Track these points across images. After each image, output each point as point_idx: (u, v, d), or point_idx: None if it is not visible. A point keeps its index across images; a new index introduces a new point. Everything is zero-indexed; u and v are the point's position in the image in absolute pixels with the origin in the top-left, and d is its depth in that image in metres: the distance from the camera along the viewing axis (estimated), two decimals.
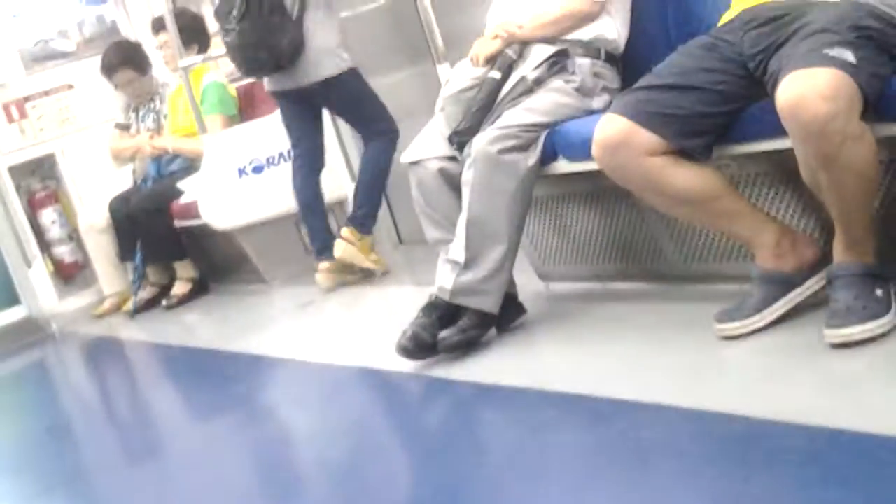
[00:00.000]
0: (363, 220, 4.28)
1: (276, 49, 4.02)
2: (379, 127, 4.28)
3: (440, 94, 2.97)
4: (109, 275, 5.67)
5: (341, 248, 4.23)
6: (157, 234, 5.22)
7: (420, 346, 2.76)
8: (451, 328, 2.76)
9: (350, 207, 4.50)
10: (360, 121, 4.34)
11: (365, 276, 4.31)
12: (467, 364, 2.72)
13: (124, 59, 5.54)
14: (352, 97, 4.22)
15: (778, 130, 2.06)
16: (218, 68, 5.28)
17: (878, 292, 2.06)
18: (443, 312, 2.79)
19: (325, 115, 4.49)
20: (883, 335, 2.02)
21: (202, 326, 4.90)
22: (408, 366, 2.80)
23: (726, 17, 2.41)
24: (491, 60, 2.88)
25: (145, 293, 5.44)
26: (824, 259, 2.26)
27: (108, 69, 5.55)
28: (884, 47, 2.06)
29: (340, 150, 4.99)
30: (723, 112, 2.30)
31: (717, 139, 2.33)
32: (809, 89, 1.94)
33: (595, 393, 2.26)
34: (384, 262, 4.36)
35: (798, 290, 2.30)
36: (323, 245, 4.35)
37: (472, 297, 2.77)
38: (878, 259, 2.13)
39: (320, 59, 4.09)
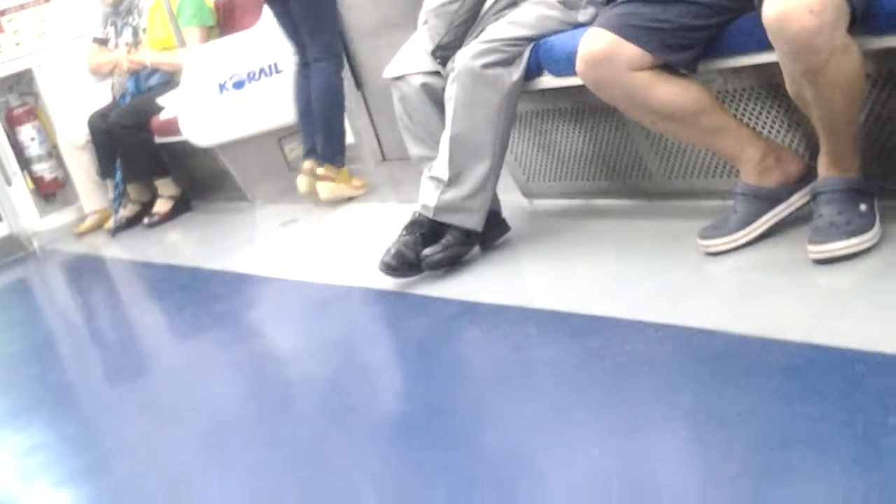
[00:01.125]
0: (333, 153, 4.24)
1: None
2: (330, 42, 4.22)
3: (423, 8, 2.92)
4: (90, 192, 5.64)
5: (326, 190, 4.20)
6: (137, 150, 5.18)
7: (403, 263, 2.76)
8: (434, 245, 2.76)
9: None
10: (318, 28, 4.21)
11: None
12: (450, 282, 2.72)
13: None
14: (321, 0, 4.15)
15: (764, 44, 2.03)
16: None
17: (862, 208, 2.05)
18: (426, 230, 2.78)
19: None
20: (866, 251, 2.02)
21: (184, 244, 4.89)
22: (391, 283, 2.80)
23: None
24: None
25: (126, 211, 5.41)
26: (809, 174, 2.25)
27: None
28: None
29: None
30: (709, 25, 2.26)
31: (703, 53, 2.30)
32: (796, 2, 1.91)
33: (578, 310, 2.26)
34: (366, 183, 4.34)
35: (782, 206, 2.29)
36: (313, 147, 4.30)
37: (456, 215, 2.75)
38: (862, 174, 2.12)
39: None
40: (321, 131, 4.24)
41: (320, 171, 4.22)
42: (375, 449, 1.99)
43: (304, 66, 4.31)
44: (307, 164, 4.29)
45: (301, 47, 4.28)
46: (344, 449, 2.01)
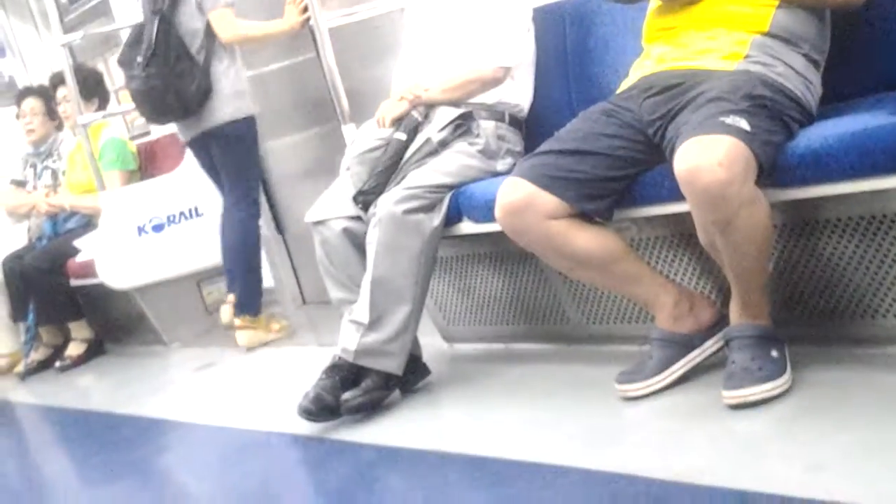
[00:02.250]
0: (250, 302, 4.24)
1: (184, 94, 4.00)
2: (250, 191, 4.25)
3: (346, 154, 2.98)
4: (1, 335, 5.49)
5: (246, 339, 4.18)
6: (51, 293, 5.07)
7: (323, 408, 2.73)
8: (354, 390, 2.74)
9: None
10: (238, 174, 4.24)
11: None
12: (370, 426, 2.69)
13: (41, 92, 5.45)
14: (243, 146, 4.19)
15: (676, 194, 2.11)
16: (109, 125, 5.21)
17: (774, 353, 2.11)
18: (346, 373, 2.76)
19: None
20: (779, 396, 2.07)
21: (97, 389, 4.76)
22: (310, 428, 2.75)
23: (625, 85, 2.47)
24: (397, 122, 2.91)
25: (38, 354, 5.27)
26: (722, 320, 2.31)
27: (27, 91, 5.50)
28: (776, 115, 2.13)
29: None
30: (622, 176, 2.34)
31: (618, 202, 2.37)
32: (706, 157, 1.99)
33: (497, 455, 2.26)
34: (286, 326, 4.32)
35: (696, 352, 2.34)
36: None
37: (376, 359, 2.75)
38: (772, 321, 2.18)
39: (226, 103, 4.08)
40: (238, 280, 4.23)
41: (237, 321, 4.20)
42: None
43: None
44: (231, 296, 4.26)
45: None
46: None
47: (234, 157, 4.21)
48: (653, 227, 2.50)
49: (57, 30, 4.84)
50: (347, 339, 2.77)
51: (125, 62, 4.10)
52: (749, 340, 2.13)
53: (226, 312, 4.27)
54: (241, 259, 4.23)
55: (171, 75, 3.97)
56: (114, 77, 5.46)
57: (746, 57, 2.26)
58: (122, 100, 5.31)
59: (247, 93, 4.16)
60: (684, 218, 2.19)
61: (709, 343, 2.35)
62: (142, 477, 3.06)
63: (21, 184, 5.59)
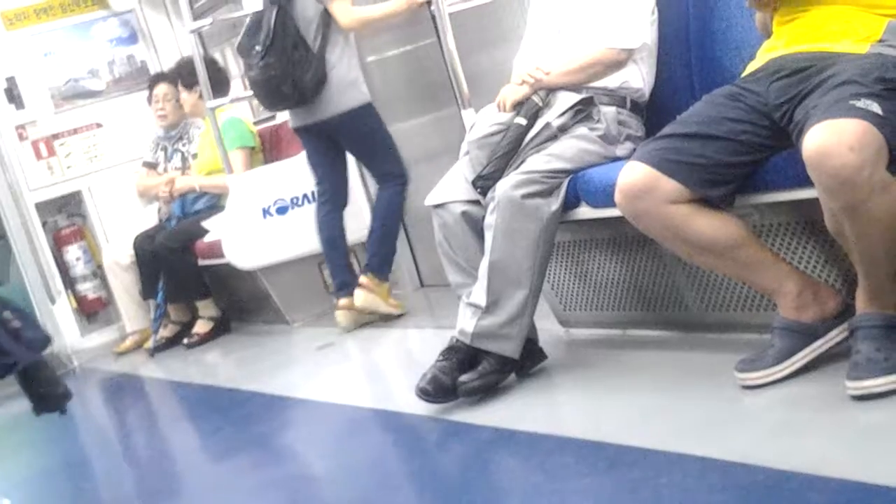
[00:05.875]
0: (380, 266, 4.32)
1: (300, 83, 4.07)
2: (390, 168, 4.32)
3: (465, 139, 2.99)
4: (132, 312, 5.71)
5: (362, 297, 4.25)
6: (180, 272, 5.25)
7: (439, 389, 2.76)
8: (470, 372, 2.76)
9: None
10: (373, 158, 4.35)
11: (383, 318, 4.33)
12: (486, 408, 2.71)
13: (172, 78, 5.62)
14: (367, 132, 4.25)
15: (802, 180, 2.07)
16: (226, 109, 5.34)
17: None
18: (463, 356, 2.79)
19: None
20: None
21: (222, 365, 4.91)
22: (427, 408, 2.79)
23: (751, 67, 2.42)
24: (517, 106, 2.91)
25: (166, 331, 5.46)
26: (847, 310, 2.26)
27: (159, 77, 5.71)
28: None
29: (364, 189, 5.02)
30: (746, 161, 2.30)
31: (741, 188, 2.33)
32: (836, 140, 1.95)
33: (613, 440, 2.25)
34: (402, 305, 4.38)
35: (820, 341, 2.29)
36: (343, 282, 4.37)
37: (493, 342, 2.77)
38: None
39: (341, 92, 4.14)
40: (374, 242, 4.33)
41: (364, 279, 4.27)
42: None
43: (325, 203, 4.41)
44: (345, 300, 4.33)
45: (325, 181, 4.40)
46: None
47: (362, 142, 4.29)
48: (777, 213, 2.45)
49: (187, 17, 4.99)
50: (465, 322, 2.79)
51: (243, 51, 4.20)
52: (876, 330, 2.07)
53: (342, 317, 4.34)
54: (383, 224, 4.31)
55: (288, 64, 4.05)
56: (239, 62, 5.60)
57: (881, 40, 2.20)
58: (247, 85, 5.44)
59: (360, 80, 4.21)
60: (809, 204, 2.15)
61: (833, 332, 2.29)
62: (263, 451, 3.15)
63: (152, 166, 5.79)
